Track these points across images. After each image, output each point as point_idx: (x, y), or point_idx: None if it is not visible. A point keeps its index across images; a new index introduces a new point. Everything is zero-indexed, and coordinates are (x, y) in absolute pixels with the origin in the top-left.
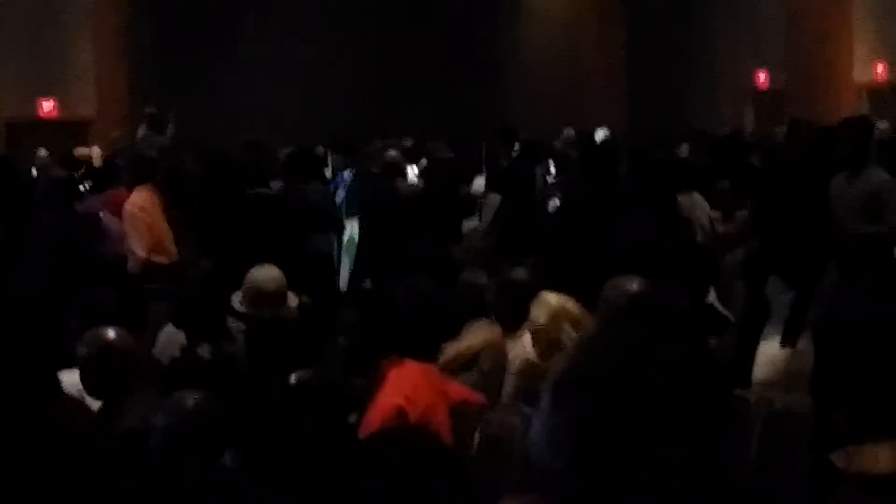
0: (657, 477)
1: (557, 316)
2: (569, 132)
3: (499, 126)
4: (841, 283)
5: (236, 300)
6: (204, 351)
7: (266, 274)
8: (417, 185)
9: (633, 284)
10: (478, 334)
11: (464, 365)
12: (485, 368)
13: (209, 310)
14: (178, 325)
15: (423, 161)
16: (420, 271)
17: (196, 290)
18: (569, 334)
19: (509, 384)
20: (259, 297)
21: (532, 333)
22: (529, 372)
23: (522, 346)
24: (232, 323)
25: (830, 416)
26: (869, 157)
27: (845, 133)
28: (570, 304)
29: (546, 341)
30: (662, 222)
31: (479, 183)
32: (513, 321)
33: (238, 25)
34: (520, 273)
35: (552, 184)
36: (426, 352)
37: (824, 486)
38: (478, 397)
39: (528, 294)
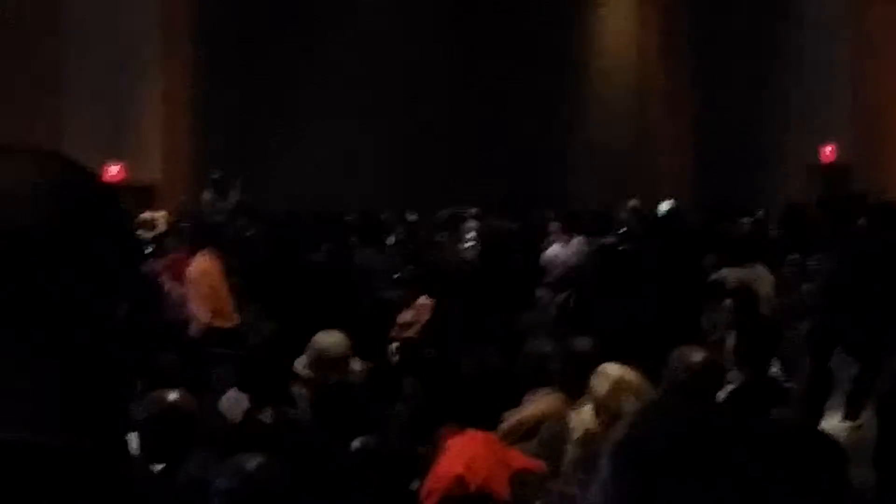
0: None
1: (618, 387)
2: (634, 202)
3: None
4: None
5: (300, 365)
6: (266, 415)
7: (330, 338)
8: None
9: (696, 355)
10: (539, 403)
11: (525, 434)
12: (545, 437)
13: (272, 374)
14: (241, 389)
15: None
16: (484, 339)
17: (259, 353)
18: (630, 405)
19: (570, 454)
20: (323, 361)
21: (594, 404)
22: (590, 442)
23: (584, 416)
24: (296, 389)
25: (895, 489)
26: None
27: None
28: (631, 375)
29: (607, 412)
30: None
31: (555, 250)
32: (576, 390)
33: (299, 97)
34: (583, 342)
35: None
36: (487, 420)
37: None
38: (539, 466)
39: (591, 363)
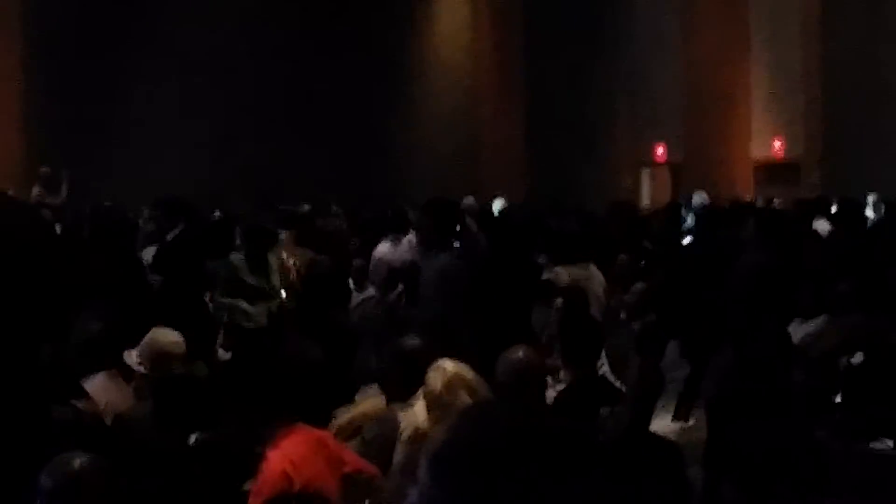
0: None
1: (453, 383)
2: (468, 200)
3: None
4: (735, 357)
5: (132, 359)
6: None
7: (165, 335)
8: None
9: (519, 355)
10: (369, 402)
11: (354, 432)
12: (368, 437)
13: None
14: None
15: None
16: (312, 337)
17: (89, 349)
18: (464, 402)
19: (399, 452)
20: (158, 356)
21: (427, 400)
22: (419, 441)
23: (414, 414)
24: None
25: (720, 488)
26: None
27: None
28: (467, 372)
29: (441, 408)
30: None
31: (382, 250)
32: (404, 389)
33: (132, 90)
34: (413, 341)
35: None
36: (319, 417)
37: None
38: (371, 467)
39: (420, 362)
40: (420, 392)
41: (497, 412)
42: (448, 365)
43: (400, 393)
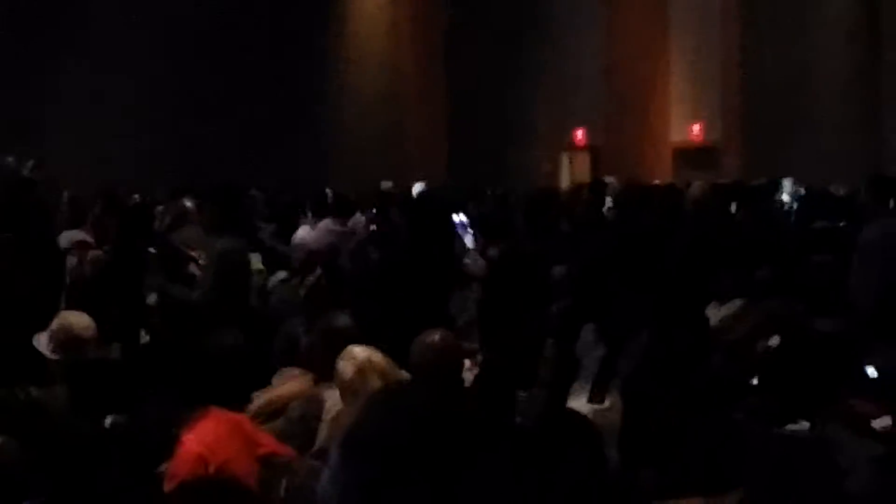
0: None
1: (364, 369)
2: (386, 185)
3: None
4: (651, 339)
5: (42, 344)
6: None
7: (76, 318)
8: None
9: (433, 338)
10: (289, 383)
11: (273, 413)
12: (293, 416)
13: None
14: None
15: None
16: (229, 322)
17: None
18: (376, 387)
19: (324, 432)
20: (69, 340)
21: (339, 388)
22: (343, 421)
23: (338, 396)
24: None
25: (636, 471)
26: None
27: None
28: (378, 357)
29: (352, 395)
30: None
31: (301, 234)
32: (332, 369)
33: (61, 79)
34: (339, 320)
35: (372, 236)
36: (235, 400)
37: None
38: (287, 449)
39: (348, 341)
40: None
41: (406, 397)
42: (358, 351)
43: (327, 372)
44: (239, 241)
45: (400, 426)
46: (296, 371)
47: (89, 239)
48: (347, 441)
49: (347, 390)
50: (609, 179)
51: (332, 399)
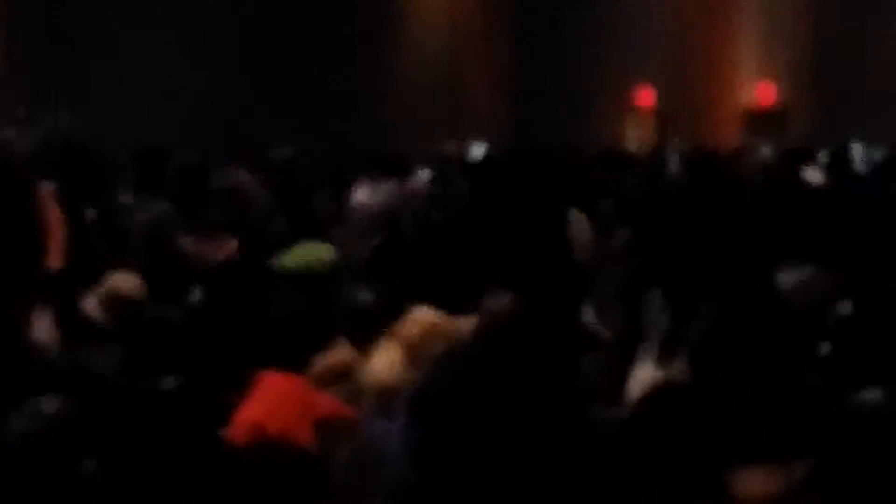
0: (498, 496)
1: (429, 331)
2: (447, 145)
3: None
4: (720, 306)
5: (91, 307)
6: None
7: (126, 281)
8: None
9: (502, 302)
10: (347, 349)
11: (334, 379)
12: (353, 382)
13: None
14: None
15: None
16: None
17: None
18: (439, 349)
19: (369, 399)
20: (119, 303)
21: (403, 348)
22: (388, 388)
23: (382, 362)
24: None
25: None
26: None
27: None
28: (444, 320)
29: (417, 356)
30: (543, 239)
31: (360, 196)
32: (372, 337)
33: (109, 28)
34: (365, 295)
35: (433, 198)
36: (294, 364)
37: None
38: (348, 411)
39: (376, 314)
40: (385, 341)
41: (471, 359)
42: (425, 314)
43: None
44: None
45: (465, 387)
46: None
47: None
48: (413, 401)
49: (411, 351)
50: (674, 142)
51: (374, 366)
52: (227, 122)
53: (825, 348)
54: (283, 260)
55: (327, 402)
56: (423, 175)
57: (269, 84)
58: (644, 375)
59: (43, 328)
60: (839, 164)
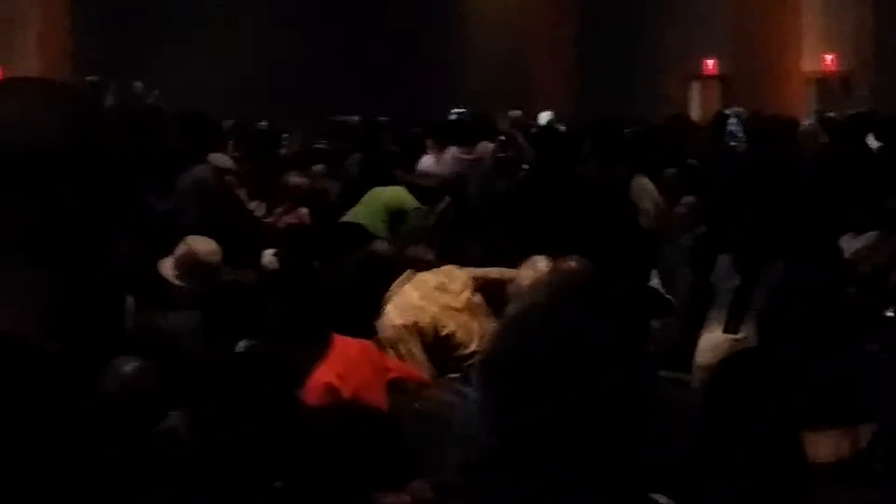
0: (577, 459)
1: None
2: (513, 113)
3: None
4: (786, 270)
5: (167, 269)
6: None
7: (203, 244)
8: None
9: (569, 265)
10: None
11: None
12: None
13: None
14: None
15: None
16: (356, 249)
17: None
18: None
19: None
20: (196, 266)
21: (512, 295)
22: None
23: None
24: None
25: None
26: None
27: None
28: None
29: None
30: (610, 205)
31: (427, 162)
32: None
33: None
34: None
35: (499, 165)
36: (361, 329)
37: None
38: (418, 373)
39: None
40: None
41: (544, 318)
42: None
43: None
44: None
45: (545, 347)
46: None
47: (231, 165)
48: (485, 364)
49: (518, 298)
50: (737, 110)
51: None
52: (297, 90)
53: (889, 312)
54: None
55: (398, 365)
56: (490, 143)
57: (339, 54)
58: (712, 341)
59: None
60: None
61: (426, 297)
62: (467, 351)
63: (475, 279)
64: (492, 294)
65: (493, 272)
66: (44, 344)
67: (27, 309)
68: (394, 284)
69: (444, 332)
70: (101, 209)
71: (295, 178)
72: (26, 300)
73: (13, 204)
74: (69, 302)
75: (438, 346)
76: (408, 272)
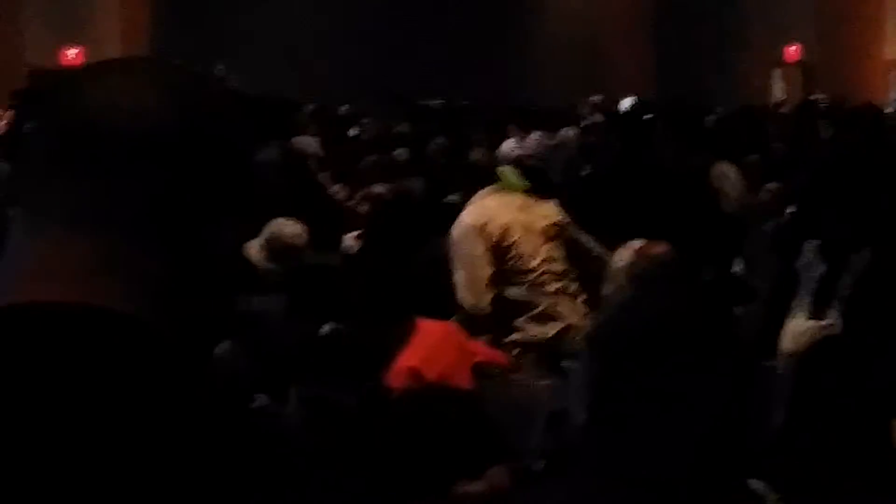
0: (668, 439)
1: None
2: (595, 98)
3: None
4: (873, 258)
5: (253, 251)
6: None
7: (289, 227)
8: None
9: (659, 250)
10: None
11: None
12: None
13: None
14: None
15: None
16: (435, 235)
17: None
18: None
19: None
20: (282, 249)
21: (609, 276)
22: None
23: None
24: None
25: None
26: None
27: None
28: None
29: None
30: (692, 191)
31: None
32: None
33: None
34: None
35: (582, 150)
36: (442, 312)
37: None
38: (502, 357)
39: None
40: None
41: (640, 306)
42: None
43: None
44: None
45: (642, 329)
46: None
47: (316, 148)
48: (589, 342)
49: (612, 279)
50: (819, 97)
51: None
52: (379, 74)
53: None
54: None
55: (483, 349)
56: (572, 128)
57: (420, 38)
58: (798, 327)
59: None
60: None
61: (504, 206)
62: (527, 266)
63: (562, 226)
64: (570, 251)
65: (585, 238)
66: (151, 324)
67: (133, 288)
68: (478, 193)
69: (510, 240)
70: (209, 191)
71: (378, 188)
72: (132, 280)
73: (123, 183)
74: (177, 284)
75: (501, 252)
76: (496, 185)
